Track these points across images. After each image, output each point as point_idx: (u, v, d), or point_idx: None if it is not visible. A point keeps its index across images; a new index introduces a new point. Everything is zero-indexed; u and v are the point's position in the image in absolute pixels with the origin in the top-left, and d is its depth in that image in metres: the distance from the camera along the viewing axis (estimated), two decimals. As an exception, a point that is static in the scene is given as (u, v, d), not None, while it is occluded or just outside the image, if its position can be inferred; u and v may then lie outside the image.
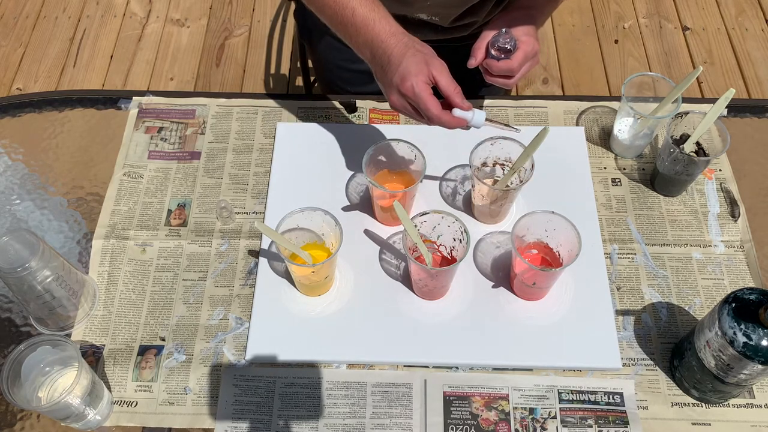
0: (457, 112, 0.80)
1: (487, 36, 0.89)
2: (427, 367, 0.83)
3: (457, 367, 0.83)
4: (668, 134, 0.90)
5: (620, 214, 0.95)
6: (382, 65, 0.81)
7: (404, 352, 0.83)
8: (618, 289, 0.89)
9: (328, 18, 0.86)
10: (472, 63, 0.89)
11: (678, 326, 0.86)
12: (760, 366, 0.68)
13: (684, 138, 0.92)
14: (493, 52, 0.87)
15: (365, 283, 0.88)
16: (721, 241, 0.92)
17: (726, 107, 0.90)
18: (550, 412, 0.80)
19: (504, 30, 0.87)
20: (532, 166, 0.85)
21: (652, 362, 0.83)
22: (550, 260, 0.87)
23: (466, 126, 0.81)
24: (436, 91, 0.80)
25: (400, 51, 0.79)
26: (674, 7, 2.33)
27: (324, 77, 1.26)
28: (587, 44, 2.23)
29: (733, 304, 0.70)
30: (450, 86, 0.79)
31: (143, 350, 0.85)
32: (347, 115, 1.05)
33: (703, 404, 0.80)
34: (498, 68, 0.87)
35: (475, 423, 0.79)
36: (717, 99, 0.86)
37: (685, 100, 0.94)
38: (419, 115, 0.80)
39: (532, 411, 0.80)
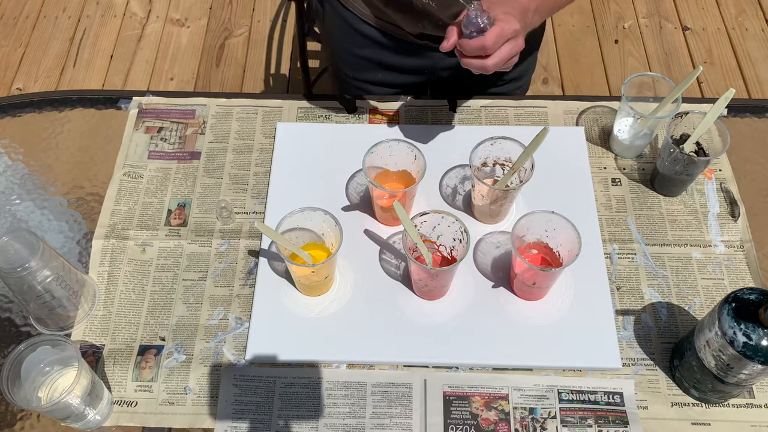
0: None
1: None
2: (427, 367, 0.83)
3: (457, 367, 0.83)
4: (668, 134, 0.90)
5: (620, 214, 0.95)
6: None
7: (404, 352, 0.83)
8: (618, 289, 0.89)
9: None
10: (446, 45, 0.81)
11: (678, 326, 0.86)
12: (760, 366, 0.68)
13: (684, 138, 0.92)
14: (465, 30, 0.78)
15: (365, 283, 0.88)
16: (721, 241, 0.92)
17: (726, 107, 0.90)
18: (550, 412, 0.80)
19: (474, 3, 0.76)
20: (532, 166, 0.85)
21: (652, 362, 0.83)
22: (550, 260, 0.87)
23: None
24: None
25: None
26: (674, 7, 2.33)
27: (332, 61, 1.22)
28: (587, 44, 2.23)
29: (733, 304, 0.70)
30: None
31: (143, 350, 0.85)
32: (347, 115, 1.05)
33: (703, 404, 0.80)
34: (470, 47, 0.78)
35: (475, 423, 0.79)
36: (717, 99, 0.86)
37: (685, 100, 0.94)
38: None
39: (532, 411, 0.80)
